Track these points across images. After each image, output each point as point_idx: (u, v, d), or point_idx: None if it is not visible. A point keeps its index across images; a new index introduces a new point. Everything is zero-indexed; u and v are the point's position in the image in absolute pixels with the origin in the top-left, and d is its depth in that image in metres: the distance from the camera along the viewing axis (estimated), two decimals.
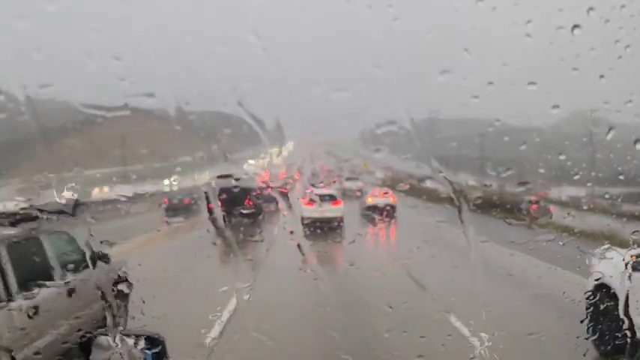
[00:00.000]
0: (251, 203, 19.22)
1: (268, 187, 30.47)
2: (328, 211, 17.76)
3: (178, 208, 26.11)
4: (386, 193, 24.66)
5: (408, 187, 53.81)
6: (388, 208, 22.38)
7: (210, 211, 18.88)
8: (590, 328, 5.35)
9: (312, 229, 16.55)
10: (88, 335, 1.89)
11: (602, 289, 5.39)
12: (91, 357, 1.89)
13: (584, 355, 5.24)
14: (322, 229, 16.53)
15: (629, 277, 4.86)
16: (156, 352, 1.89)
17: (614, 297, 5.07)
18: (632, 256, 4.82)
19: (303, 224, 17.26)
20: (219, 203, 19.02)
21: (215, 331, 7.38)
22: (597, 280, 5.45)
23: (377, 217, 21.57)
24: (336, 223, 17.45)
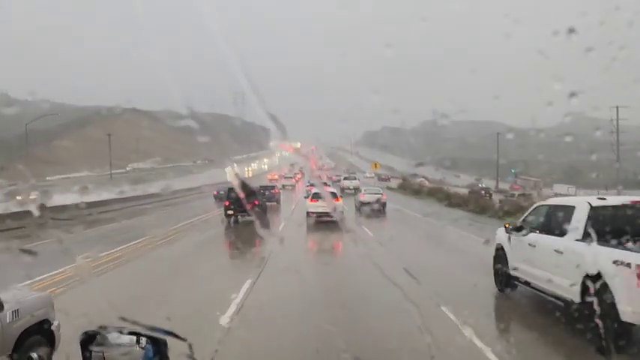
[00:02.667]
0: (257, 203, 20.74)
1: (274, 187, 33.20)
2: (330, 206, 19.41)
3: (222, 197, 30.86)
4: (377, 192, 27.95)
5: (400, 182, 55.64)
6: (378, 203, 26.04)
7: (226, 207, 20.32)
8: (495, 273, 8.84)
9: (316, 220, 19.92)
10: (88, 332, 1.93)
11: (499, 248, 8.79)
12: (91, 354, 1.93)
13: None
14: (324, 221, 19.69)
15: (509, 239, 8.36)
16: (157, 350, 1.94)
17: (501, 253, 8.65)
18: (505, 224, 9.13)
19: (308, 217, 20.33)
20: (227, 203, 20.32)
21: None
22: (498, 243, 8.86)
23: (369, 210, 25.56)
24: (335, 217, 19.76)
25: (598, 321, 5.43)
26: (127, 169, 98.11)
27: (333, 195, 21.37)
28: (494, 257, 8.85)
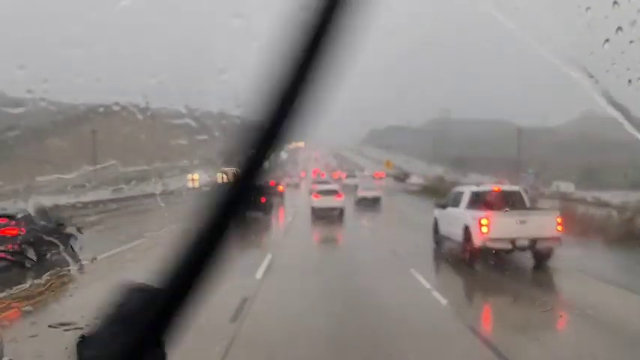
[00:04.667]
0: (264, 200, 21.89)
1: (278, 184, 35.16)
2: (332, 202, 23.47)
3: None
4: (373, 188, 33.25)
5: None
6: (374, 198, 31.06)
7: None
8: (433, 234, 14.54)
9: (320, 215, 22.98)
10: (85, 335, 1.93)
11: (434, 219, 14.35)
12: (86, 354, 1.93)
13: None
14: (327, 215, 22.96)
15: (440, 214, 14.07)
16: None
17: (437, 222, 14.18)
18: (436, 204, 15.64)
19: (312, 212, 23.42)
20: None
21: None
22: (434, 216, 14.41)
23: (365, 204, 30.22)
24: (337, 212, 23.24)
25: (467, 248, 11.11)
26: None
27: (335, 192, 24.45)
28: (433, 225, 14.69)
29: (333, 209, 23.13)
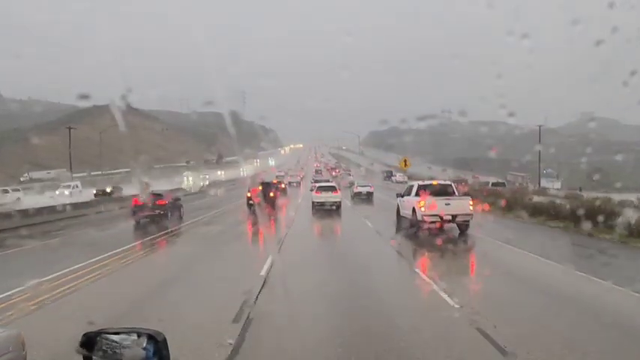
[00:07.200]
0: (272, 195, 27.54)
1: (281, 182, 41.44)
2: (330, 197, 26.89)
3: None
4: (367, 185, 38.50)
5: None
6: (367, 193, 36.75)
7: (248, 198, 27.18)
8: (396, 215, 20.49)
9: (320, 208, 26.86)
10: (88, 334, 1.99)
11: (397, 205, 20.17)
12: (93, 355, 1.98)
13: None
14: (326, 209, 26.87)
15: (400, 200, 20.15)
16: (157, 349, 1.99)
17: (399, 207, 20.00)
18: (397, 194, 21.10)
19: (313, 206, 26.92)
20: (248, 195, 27.11)
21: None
22: (397, 203, 20.42)
23: (360, 197, 36.23)
24: (335, 206, 26.85)
25: (415, 221, 16.80)
26: (22, 179, 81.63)
27: (333, 188, 27.73)
28: (396, 209, 19.89)
29: (331, 203, 26.67)
